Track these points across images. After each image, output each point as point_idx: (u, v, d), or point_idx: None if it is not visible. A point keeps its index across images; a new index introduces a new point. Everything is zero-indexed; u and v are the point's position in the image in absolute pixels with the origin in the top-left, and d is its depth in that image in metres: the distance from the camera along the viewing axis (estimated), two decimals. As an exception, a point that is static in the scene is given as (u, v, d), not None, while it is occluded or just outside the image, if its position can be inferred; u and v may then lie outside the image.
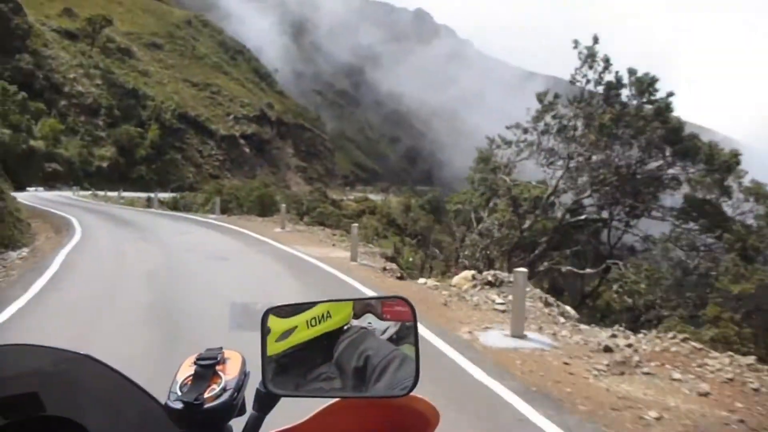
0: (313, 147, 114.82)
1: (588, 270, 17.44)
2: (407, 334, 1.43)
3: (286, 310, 1.37)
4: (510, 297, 10.24)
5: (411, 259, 24.13)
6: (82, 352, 1.05)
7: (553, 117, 18.01)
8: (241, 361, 1.16)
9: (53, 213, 26.47)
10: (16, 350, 1.05)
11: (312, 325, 1.37)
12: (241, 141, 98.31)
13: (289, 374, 1.33)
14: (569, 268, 17.37)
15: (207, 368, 1.11)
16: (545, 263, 17.61)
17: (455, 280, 11.59)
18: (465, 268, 16.52)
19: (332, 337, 1.39)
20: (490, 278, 10.89)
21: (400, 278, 13.03)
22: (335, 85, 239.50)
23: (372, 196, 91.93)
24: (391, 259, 16.11)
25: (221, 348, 1.16)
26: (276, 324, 1.34)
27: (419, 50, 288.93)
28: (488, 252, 17.56)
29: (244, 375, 1.14)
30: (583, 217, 16.87)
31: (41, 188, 66.90)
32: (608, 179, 16.18)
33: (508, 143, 19.64)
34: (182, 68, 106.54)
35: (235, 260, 13.02)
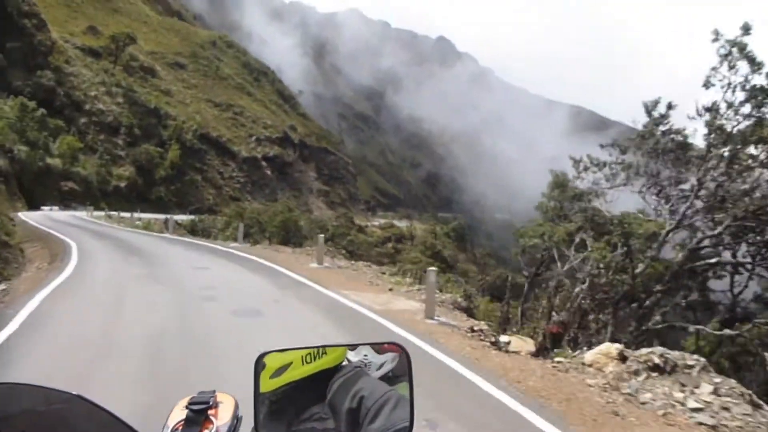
0: (336, 171, 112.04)
1: (704, 327, 13.69)
2: (403, 371, 1.42)
3: (281, 351, 1.36)
4: (703, 393, 6.63)
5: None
6: (73, 392, 1.03)
7: (664, 133, 14.41)
8: (233, 405, 1.14)
9: (56, 237, 23.33)
10: (3, 389, 1.02)
11: (307, 362, 1.37)
12: (263, 163, 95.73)
13: (282, 415, 1.31)
14: (686, 324, 13.69)
15: (199, 413, 1.08)
16: (656, 316, 13.91)
17: (590, 357, 7.97)
18: (562, 324, 12.84)
19: (326, 376, 1.39)
20: (656, 360, 7.25)
21: (494, 345, 9.42)
22: (355, 107, 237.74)
23: (396, 223, 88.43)
24: (466, 310, 12.50)
25: (214, 391, 1.15)
26: (271, 360, 1.32)
27: (440, 74, 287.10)
28: (582, 302, 13.90)
29: (236, 419, 1.11)
30: (713, 260, 13.15)
31: (56, 207, 64.41)
32: (747, 212, 12.50)
33: (600, 165, 16.01)
34: (205, 88, 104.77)
35: (272, 316, 9.51)
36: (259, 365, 1.29)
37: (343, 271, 16.07)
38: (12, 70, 73.79)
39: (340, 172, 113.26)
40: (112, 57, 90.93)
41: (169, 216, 67.87)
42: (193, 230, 48.29)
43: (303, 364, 1.36)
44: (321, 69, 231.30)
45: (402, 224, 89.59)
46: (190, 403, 1.08)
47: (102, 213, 57.88)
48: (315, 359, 1.38)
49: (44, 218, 39.52)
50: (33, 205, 61.47)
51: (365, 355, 1.46)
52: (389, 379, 1.43)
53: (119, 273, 13.45)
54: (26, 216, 41.53)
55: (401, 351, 1.41)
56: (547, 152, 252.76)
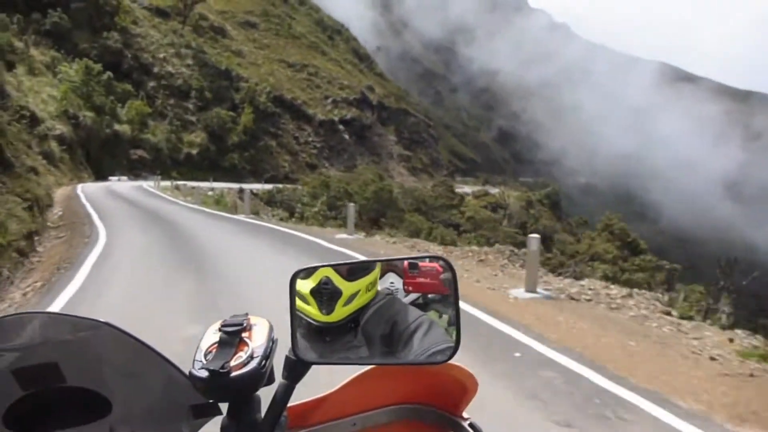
0: (416, 134, 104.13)
1: None
2: (434, 299, 1.42)
3: (342, 270, 1.35)
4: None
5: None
6: (101, 320, 1.03)
7: None
8: (268, 328, 1.11)
9: (95, 223, 16.91)
10: (32, 319, 1.02)
11: (369, 290, 1.38)
12: (341, 127, 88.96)
13: (317, 343, 1.32)
14: None
15: (233, 335, 1.06)
16: None
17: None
18: None
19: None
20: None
21: None
22: (423, 62, 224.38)
23: (489, 190, 79.89)
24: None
25: (247, 314, 1.13)
26: (344, 286, 1.33)
27: (514, 23, 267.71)
28: None
29: (271, 342, 1.09)
30: None
31: (124, 177, 59.84)
32: None
33: None
34: (278, 48, 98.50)
35: None
36: (294, 285, 1.23)
37: (584, 307, 8.40)
38: (77, 32, 69.38)
39: (421, 135, 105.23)
40: (180, 17, 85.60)
41: (243, 186, 62.27)
42: (270, 202, 41.92)
43: (366, 291, 1.35)
44: (388, 22, 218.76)
45: (493, 191, 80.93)
46: (223, 326, 1.06)
47: (170, 183, 52.62)
48: (373, 287, 1.37)
49: (103, 192, 33.89)
50: (100, 176, 57.05)
51: (391, 282, 1.44)
52: (420, 305, 1.40)
53: (150, 317, 6.35)
54: (83, 189, 36.13)
55: (445, 266, 1.35)
56: (632, 105, 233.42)
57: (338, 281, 1.29)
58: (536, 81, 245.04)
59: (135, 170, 63.62)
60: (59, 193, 33.65)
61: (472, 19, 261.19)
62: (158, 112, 70.50)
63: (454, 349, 1.18)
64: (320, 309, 1.28)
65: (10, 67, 52.99)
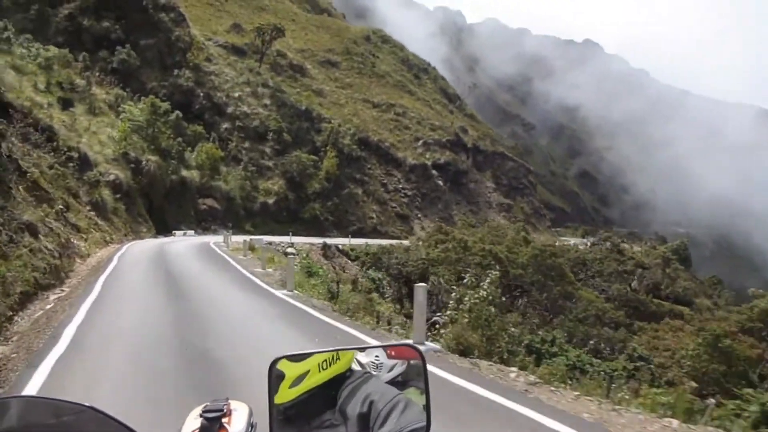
0: (515, 180, 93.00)
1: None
2: (413, 375, 1.44)
3: (296, 357, 1.38)
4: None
5: None
6: (85, 404, 1.03)
7: None
8: (248, 413, 1.14)
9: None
10: (16, 402, 1.02)
11: (323, 369, 1.38)
12: (434, 172, 79.01)
13: (295, 423, 1.34)
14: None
15: (213, 421, 1.08)
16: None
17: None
18: None
19: (336, 382, 1.41)
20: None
21: None
22: (497, 100, 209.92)
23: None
24: None
25: (227, 399, 1.15)
26: (289, 369, 1.34)
27: (590, 66, 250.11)
28: None
29: (251, 427, 1.11)
30: None
31: (191, 231, 51.54)
32: None
33: None
34: (361, 87, 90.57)
35: None
36: (272, 372, 1.29)
37: None
38: (145, 70, 63.13)
39: (520, 181, 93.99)
40: (257, 55, 79.02)
41: (327, 242, 52.65)
42: (376, 266, 31.61)
43: (320, 371, 1.37)
44: (462, 58, 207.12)
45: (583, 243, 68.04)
46: (204, 411, 1.07)
47: (242, 239, 43.49)
48: (330, 365, 1.39)
49: (148, 257, 24.60)
50: (163, 229, 48.86)
51: (376, 357, 1.49)
52: (399, 383, 1.42)
53: None
54: (127, 251, 27.13)
55: (416, 354, 1.41)
56: (728, 145, 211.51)
57: (282, 365, 1.32)
58: (621, 116, 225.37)
59: (203, 222, 55.38)
60: (97, 257, 24.63)
61: (547, 54, 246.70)
62: (231, 157, 62.70)
63: (426, 429, 1.21)
64: (270, 397, 1.30)
65: (67, 105, 46.08)
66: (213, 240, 40.43)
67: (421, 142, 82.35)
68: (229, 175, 59.60)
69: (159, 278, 17.14)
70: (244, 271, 20.05)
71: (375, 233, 65.92)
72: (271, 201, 61.16)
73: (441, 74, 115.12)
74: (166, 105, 55.52)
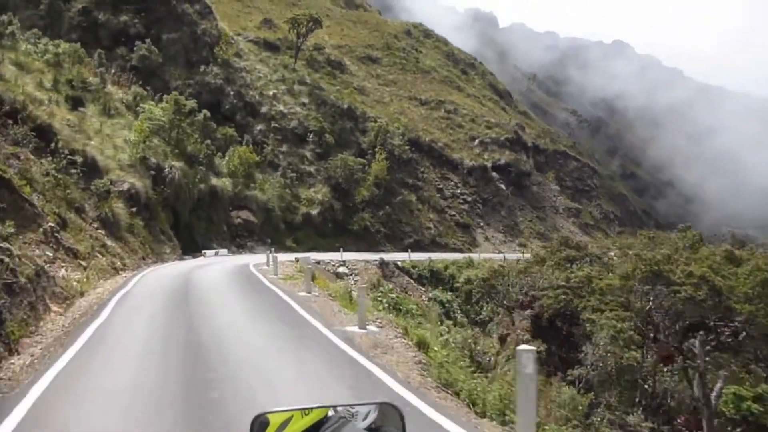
0: (580, 181, 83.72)
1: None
2: (388, 423, 1.51)
3: (278, 411, 1.50)
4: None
5: None
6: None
7: None
8: None
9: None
10: None
11: (306, 414, 1.50)
12: (494, 174, 70.31)
13: None
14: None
15: None
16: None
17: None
18: None
19: (316, 428, 1.49)
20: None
21: None
22: (528, 94, 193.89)
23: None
24: None
25: None
26: (274, 418, 1.46)
27: (624, 63, 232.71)
28: None
29: None
30: None
31: (224, 250, 43.93)
32: None
33: None
34: (406, 84, 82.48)
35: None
36: (254, 425, 1.45)
37: None
38: (169, 67, 56.00)
39: (586, 183, 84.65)
40: (291, 50, 71.52)
41: (384, 257, 44.66)
42: (488, 296, 23.36)
43: (302, 416, 1.49)
44: (493, 47, 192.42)
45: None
46: None
47: (287, 257, 35.40)
48: (312, 411, 1.52)
49: (164, 291, 16.62)
50: (192, 248, 41.30)
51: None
52: (373, 430, 1.52)
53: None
54: (138, 284, 19.33)
55: (394, 409, 1.54)
56: None
57: (269, 416, 1.48)
58: (663, 106, 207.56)
59: (238, 238, 47.67)
60: (94, 296, 16.90)
61: (577, 54, 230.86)
62: (267, 162, 55.02)
63: None
64: None
65: (77, 104, 38.84)
66: (252, 261, 32.46)
67: (477, 141, 73.71)
68: (266, 183, 51.87)
69: (178, 353, 9.03)
70: (318, 324, 11.78)
71: (433, 246, 57.56)
72: (314, 212, 53.22)
73: (489, 70, 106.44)
74: (191, 103, 48.17)
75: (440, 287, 46.95)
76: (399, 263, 47.86)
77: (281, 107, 60.80)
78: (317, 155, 58.91)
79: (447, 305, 43.08)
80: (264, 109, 59.28)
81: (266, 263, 29.14)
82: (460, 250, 59.36)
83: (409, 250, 49.80)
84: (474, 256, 50.68)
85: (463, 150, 71.36)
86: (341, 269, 43.65)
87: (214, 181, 46.92)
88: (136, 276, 22.24)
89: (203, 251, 41.00)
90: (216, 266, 28.14)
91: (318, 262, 40.34)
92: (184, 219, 42.67)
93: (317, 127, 59.47)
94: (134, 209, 33.29)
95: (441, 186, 65.61)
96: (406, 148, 63.96)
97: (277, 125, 58.76)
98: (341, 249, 44.99)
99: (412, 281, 46.43)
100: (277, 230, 49.77)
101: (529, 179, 74.09)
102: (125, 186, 33.81)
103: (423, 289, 46.26)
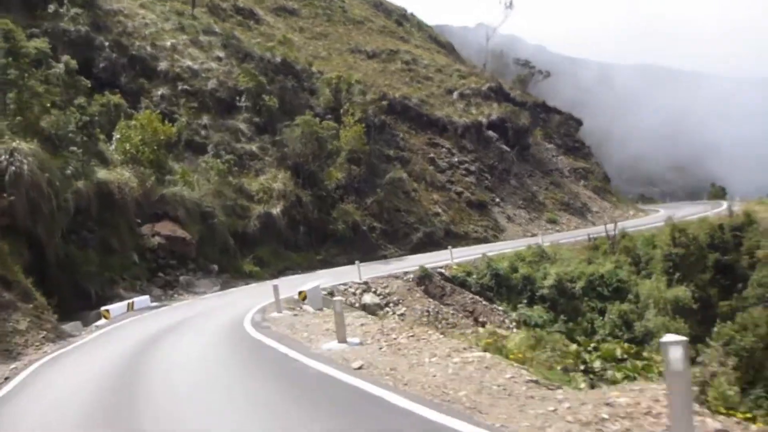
0: (569, 137, 68.31)
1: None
2: None
3: None
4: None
5: None
6: None
7: None
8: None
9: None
10: None
11: None
12: (490, 133, 52.91)
13: None
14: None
15: None
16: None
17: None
18: None
19: None
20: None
21: None
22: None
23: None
24: None
25: None
26: None
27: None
28: None
29: None
30: None
31: (141, 298, 23.66)
32: None
33: None
34: (341, 37, 63.46)
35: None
36: None
37: None
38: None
39: (574, 138, 69.48)
40: (184, -4, 50.70)
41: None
42: None
43: None
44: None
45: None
46: None
47: (266, 301, 16.19)
48: None
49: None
50: (77, 304, 20.76)
51: None
52: None
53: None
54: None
55: None
56: None
57: None
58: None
59: (161, 272, 27.07)
60: None
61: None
62: (184, 143, 34.63)
63: None
64: None
65: None
66: (226, 317, 13.04)
67: (456, 94, 56.08)
68: (191, 173, 31.50)
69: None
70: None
71: (449, 238, 39.38)
72: (275, 210, 33.35)
73: (422, 20, 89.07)
74: (40, 44, 27.29)
75: (518, 299, 29.85)
76: (443, 271, 29.91)
77: (188, 62, 40.21)
78: (257, 127, 38.97)
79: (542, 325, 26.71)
80: (163, 66, 38.46)
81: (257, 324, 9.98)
82: (486, 241, 41.64)
83: (450, 247, 31.60)
84: (519, 243, 33.99)
85: (444, 106, 53.45)
86: (367, 298, 25.48)
87: (103, 174, 26.14)
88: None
89: (102, 309, 20.59)
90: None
91: (330, 294, 22.93)
92: (54, 250, 21.93)
93: (251, 86, 39.40)
94: None
95: (432, 155, 47.32)
96: (384, 104, 45.23)
97: (187, 87, 38.16)
98: (357, 263, 25.95)
99: (476, 296, 28.42)
100: (224, 249, 29.62)
101: (528, 137, 57.36)
102: None
103: (494, 305, 28.57)
